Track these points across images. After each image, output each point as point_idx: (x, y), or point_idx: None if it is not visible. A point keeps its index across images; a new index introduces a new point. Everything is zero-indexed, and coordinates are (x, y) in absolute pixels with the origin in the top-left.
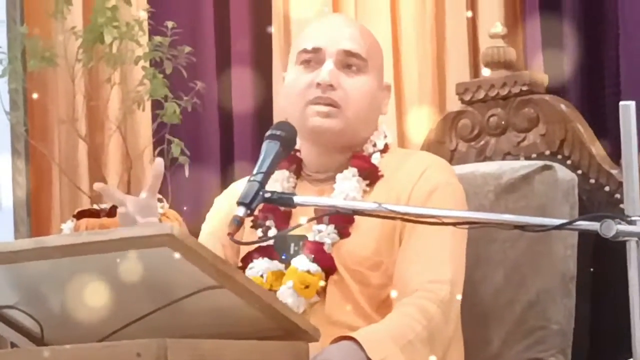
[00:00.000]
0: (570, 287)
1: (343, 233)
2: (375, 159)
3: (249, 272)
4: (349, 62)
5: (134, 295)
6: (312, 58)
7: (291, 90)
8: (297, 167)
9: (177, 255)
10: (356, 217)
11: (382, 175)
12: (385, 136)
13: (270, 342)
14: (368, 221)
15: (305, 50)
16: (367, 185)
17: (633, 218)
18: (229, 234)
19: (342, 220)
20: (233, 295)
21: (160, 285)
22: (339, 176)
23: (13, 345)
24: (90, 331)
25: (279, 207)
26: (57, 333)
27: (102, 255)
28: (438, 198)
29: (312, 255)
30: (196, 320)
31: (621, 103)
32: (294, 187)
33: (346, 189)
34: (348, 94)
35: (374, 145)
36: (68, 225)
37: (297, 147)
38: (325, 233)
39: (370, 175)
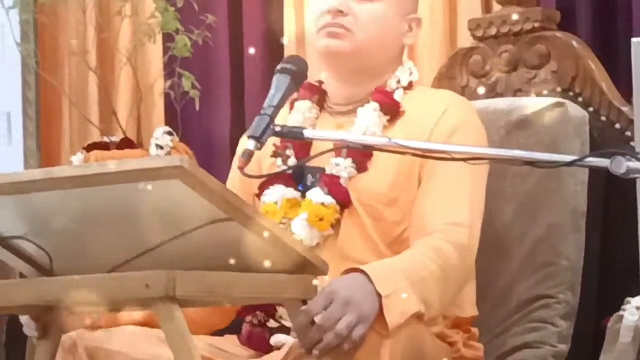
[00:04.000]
0: (580, 223)
1: (360, 167)
2: (398, 95)
3: (264, 199)
4: None
5: (143, 227)
6: None
7: (309, 18)
8: (320, 98)
9: (186, 187)
10: (375, 152)
11: (403, 112)
12: (411, 73)
13: (278, 275)
14: (386, 156)
15: None
16: (388, 120)
17: None
18: (239, 167)
19: (360, 154)
20: (242, 228)
21: (170, 217)
22: (360, 110)
23: (22, 275)
24: (99, 262)
25: None
26: (66, 264)
27: (112, 187)
28: (458, 138)
29: (327, 188)
30: (205, 253)
31: (633, 40)
32: (316, 118)
33: (366, 123)
34: (358, 18)
35: (398, 81)
36: (78, 158)
37: (321, 78)
38: (342, 167)
39: (391, 110)
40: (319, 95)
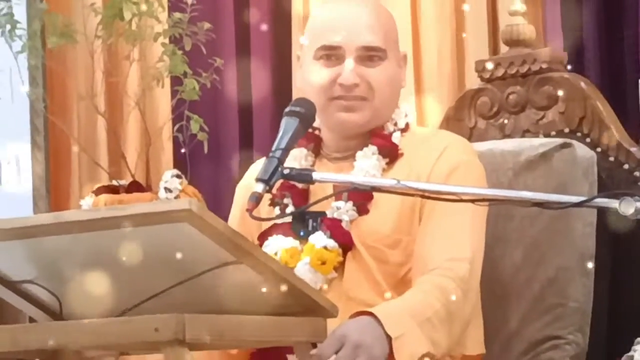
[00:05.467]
0: (588, 265)
1: (361, 210)
2: (396, 138)
3: (264, 250)
4: (370, 54)
5: (153, 271)
6: (332, 54)
7: (313, 84)
8: (316, 146)
9: (195, 230)
10: (375, 195)
11: (402, 154)
12: (406, 115)
13: (288, 318)
14: (387, 198)
15: (323, 47)
16: (387, 163)
17: None
18: (247, 209)
19: (361, 197)
20: (251, 271)
21: (179, 260)
22: (359, 154)
23: (31, 319)
24: (108, 306)
25: (297, 185)
26: (76, 308)
27: (121, 231)
28: (458, 177)
29: (329, 232)
30: (214, 296)
31: None
32: (312, 165)
33: (366, 166)
34: (372, 85)
35: (395, 124)
36: (87, 201)
37: (316, 125)
38: (343, 210)
39: (390, 153)
40: (315, 143)
